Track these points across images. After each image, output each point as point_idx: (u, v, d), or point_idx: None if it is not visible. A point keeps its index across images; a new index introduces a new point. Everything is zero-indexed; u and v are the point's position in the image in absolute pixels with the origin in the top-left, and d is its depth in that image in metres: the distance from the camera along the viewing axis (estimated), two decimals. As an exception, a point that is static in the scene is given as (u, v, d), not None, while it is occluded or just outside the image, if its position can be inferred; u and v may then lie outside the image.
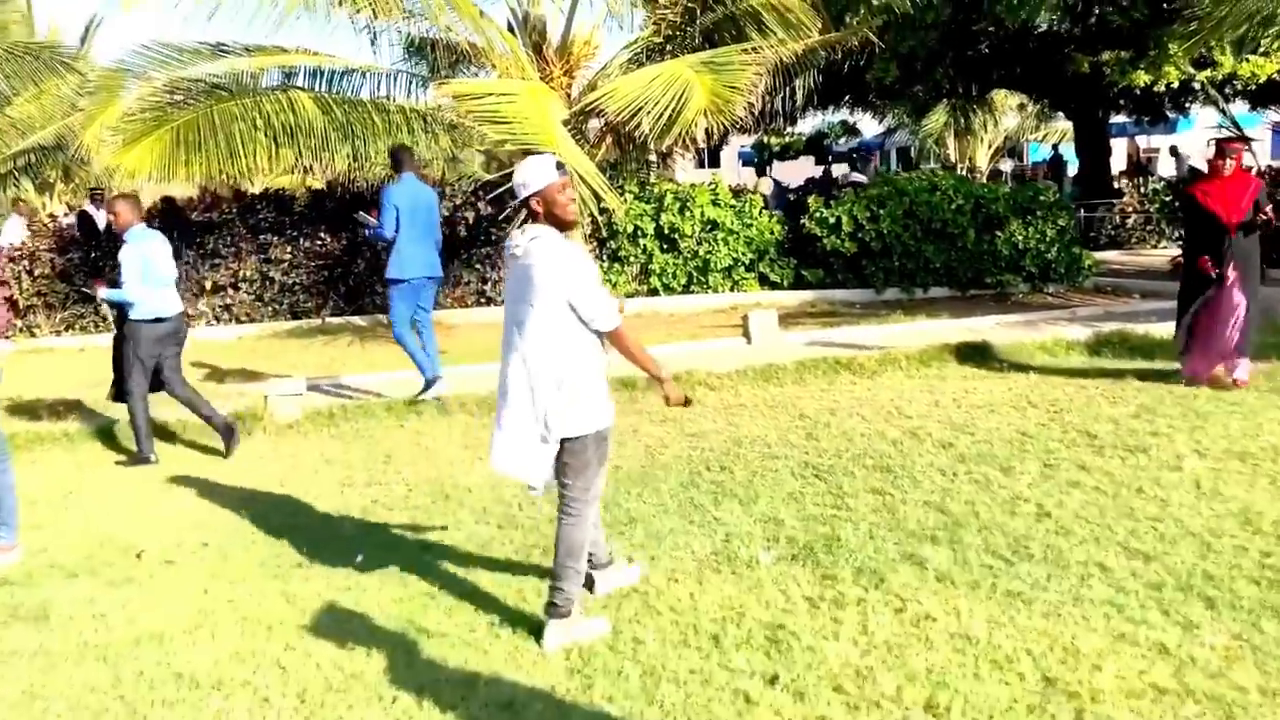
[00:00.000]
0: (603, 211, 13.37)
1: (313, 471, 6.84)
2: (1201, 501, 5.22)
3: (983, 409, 7.43)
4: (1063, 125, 32.80)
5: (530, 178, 3.82)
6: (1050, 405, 7.40)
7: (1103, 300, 12.54)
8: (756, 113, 11.16)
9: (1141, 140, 32.02)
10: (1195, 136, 35.65)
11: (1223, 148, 7.68)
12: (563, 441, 3.90)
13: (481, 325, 13.01)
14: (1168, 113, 24.32)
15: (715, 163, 41.48)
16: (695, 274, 13.70)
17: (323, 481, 6.58)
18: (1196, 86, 16.25)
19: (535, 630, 4.07)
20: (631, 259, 13.75)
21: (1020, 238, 13.25)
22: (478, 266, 13.70)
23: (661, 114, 10.16)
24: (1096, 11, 16.61)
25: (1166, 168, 29.29)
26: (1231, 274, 7.48)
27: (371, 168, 13.34)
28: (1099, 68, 15.95)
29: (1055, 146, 30.40)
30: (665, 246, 13.73)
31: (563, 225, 3.86)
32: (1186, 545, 4.64)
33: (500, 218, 13.53)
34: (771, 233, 13.71)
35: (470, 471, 6.59)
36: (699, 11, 12.14)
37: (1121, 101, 21.40)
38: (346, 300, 13.81)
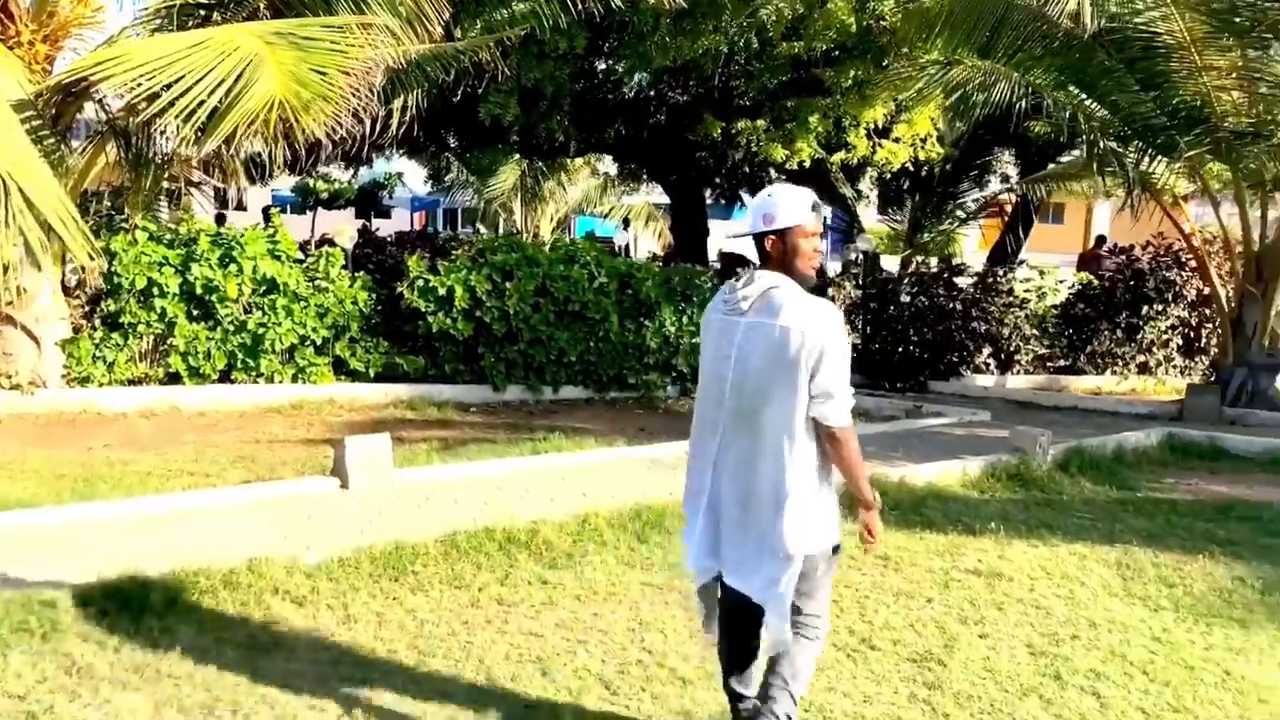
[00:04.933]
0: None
1: None
2: None
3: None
4: (632, 201, 31.86)
5: (781, 209, 3.07)
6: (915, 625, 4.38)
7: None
8: (356, 127, 7.40)
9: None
10: (742, 226, 36.43)
11: None
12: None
13: None
14: (748, 195, 23.62)
15: (241, 207, 36.16)
16: (240, 355, 9.42)
17: None
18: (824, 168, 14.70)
19: None
20: (140, 328, 9.18)
21: (672, 329, 10.51)
22: None
23: (207, 98, 6.13)
24: (720, 77, 14.66)
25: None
26: None
27: None
28: (731, 137, 13.93)
29: (626, 221, 29.05)
30: (196, 313, 9.32)
31: (799, 281, 3.08)
32: None
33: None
34: (355, 302, 9.83)
35: None
36: (269, -31, 8.20)
37: (717, 180, 20.03)
38: None
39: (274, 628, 4.33)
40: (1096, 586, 5.23)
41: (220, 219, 14.26)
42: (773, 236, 3.07)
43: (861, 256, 13.50)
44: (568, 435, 8.15)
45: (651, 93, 15.33)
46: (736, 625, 3.28)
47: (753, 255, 3.28)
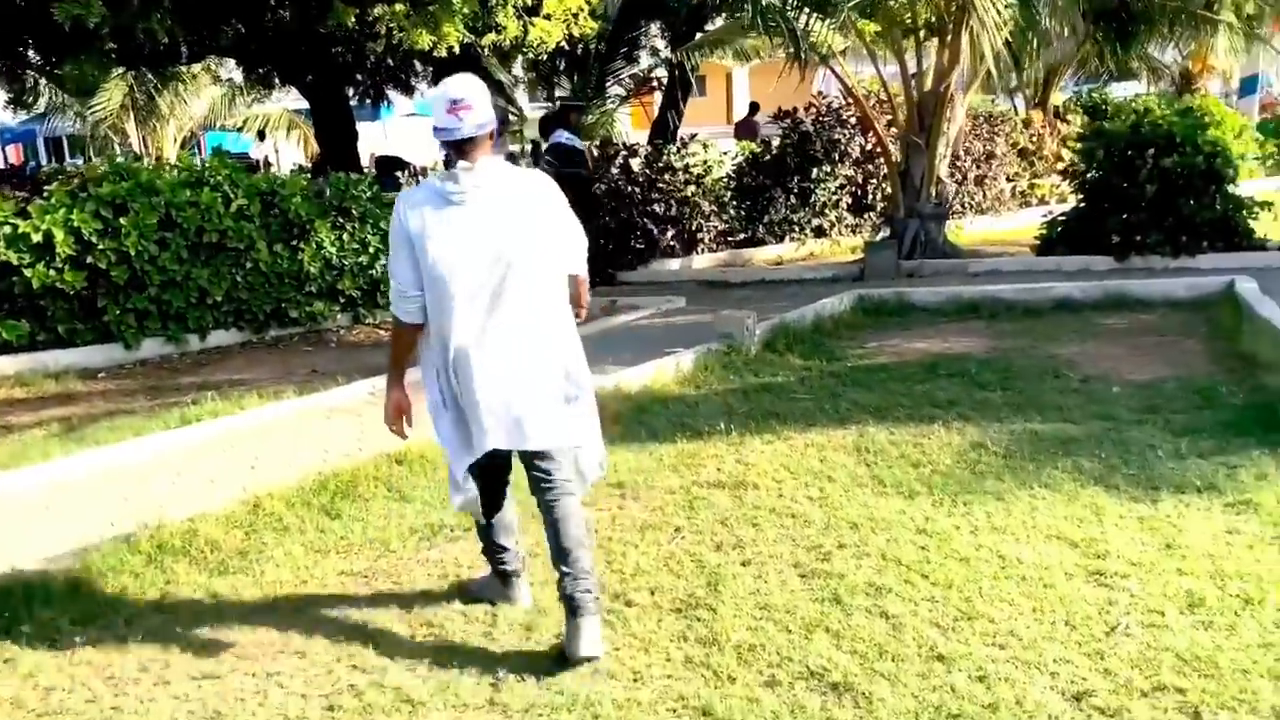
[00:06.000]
0: None
1: None
2: None
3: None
4: (266, 109, 29.28)
5: (489, 110, 3.22)
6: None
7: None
8: None
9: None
10: (396, 126, 34.40)
11: None
12: None
13: None
14: (394, 92, 21.98)
15: None
16: None
17: None
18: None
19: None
20: None
21: (333, 249, 9.28)
22: None
23: None
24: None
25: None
26: None
27: None
28: (369, 27, 12.47)
29: (261, 133, 26.56)
30: None
31: None
32: None
33: None
34: (-75, 264, 7.86)
35: None
36: None
37: (358, 77, 18.31)
38: None
39: None
40: (845, 480, 4.81)
41: None
42: (492, 131, 3.25)
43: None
44: (224, 393, 6.86)
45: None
46: (495, 480, 3.53)
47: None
